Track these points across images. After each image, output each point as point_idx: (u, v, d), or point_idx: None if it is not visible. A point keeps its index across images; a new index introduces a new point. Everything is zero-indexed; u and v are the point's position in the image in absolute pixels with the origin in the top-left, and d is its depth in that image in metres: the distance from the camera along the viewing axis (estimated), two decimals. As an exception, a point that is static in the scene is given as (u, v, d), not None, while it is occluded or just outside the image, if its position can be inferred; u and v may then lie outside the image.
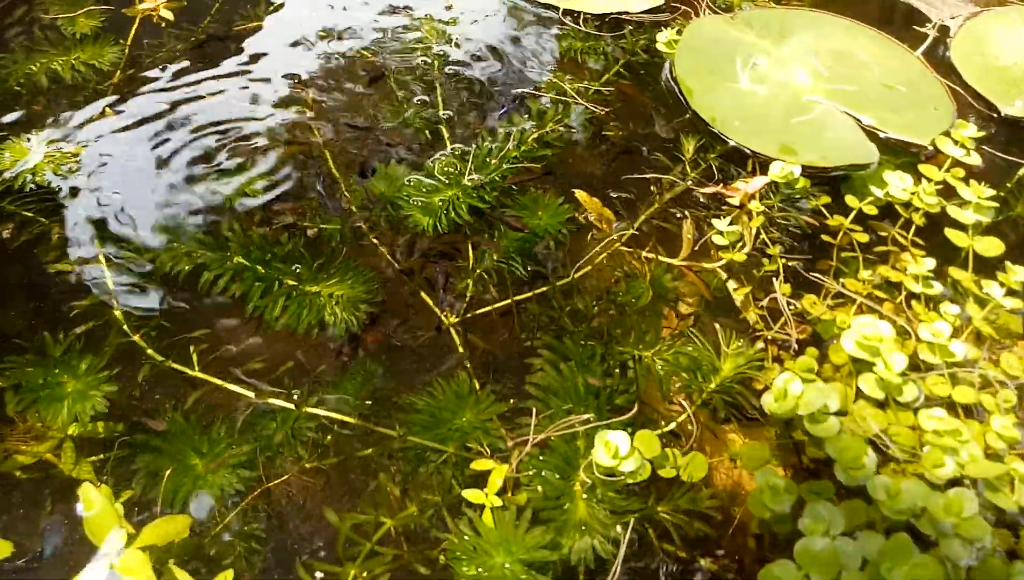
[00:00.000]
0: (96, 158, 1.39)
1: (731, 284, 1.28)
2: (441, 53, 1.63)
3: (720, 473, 1.09)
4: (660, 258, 1.32)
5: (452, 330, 1.21)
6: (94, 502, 0.93)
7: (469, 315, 1.23)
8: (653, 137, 1.51)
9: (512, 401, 1.14)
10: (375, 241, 1.30)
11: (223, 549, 0.99)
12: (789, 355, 1.19)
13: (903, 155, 1.50)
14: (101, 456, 1.06)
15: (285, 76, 1.57)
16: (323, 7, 1.74)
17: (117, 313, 1.18)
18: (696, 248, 1.33)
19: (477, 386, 1.15)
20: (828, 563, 0.93)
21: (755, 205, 1.36)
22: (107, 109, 1.50)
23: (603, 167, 1.45)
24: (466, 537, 0.98)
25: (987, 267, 1.31)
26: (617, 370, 1.17)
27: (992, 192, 1.38)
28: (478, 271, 1.28)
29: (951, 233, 1.34)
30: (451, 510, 1.03)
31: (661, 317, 1.25)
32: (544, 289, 1.26)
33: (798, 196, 1.40)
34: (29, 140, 1.40)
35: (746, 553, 1.03)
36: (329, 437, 1.09)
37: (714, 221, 1.33)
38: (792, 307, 1.24)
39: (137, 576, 0.88)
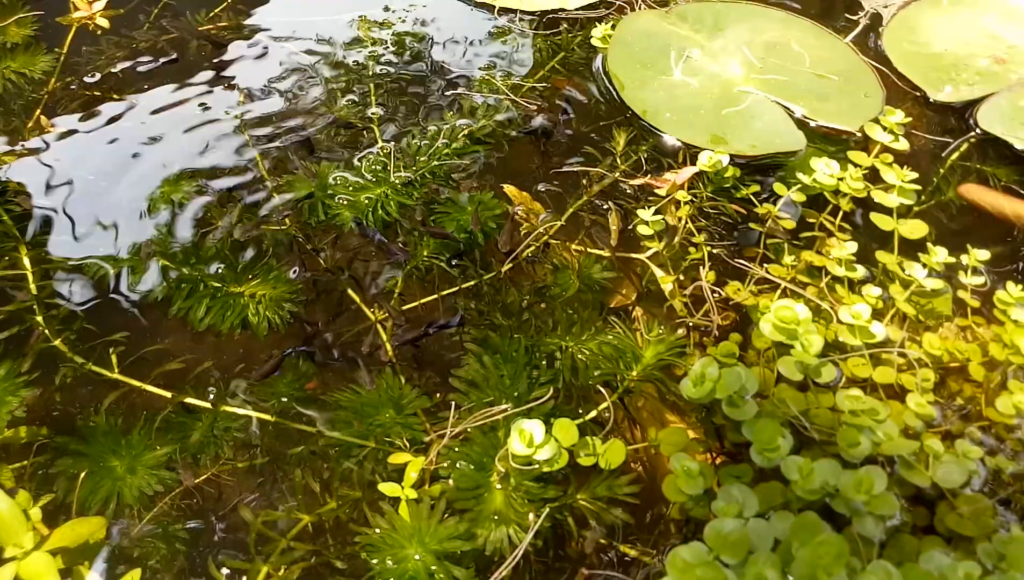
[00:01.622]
0: (25, 165, 1.39)
1: (658, 273, 1.28)
2: (374, 53, 1.63)
3: (643, 459, 1.10)
4: (589, 250, 1.32)
5: (379, 326, 1.21)
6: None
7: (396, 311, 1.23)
8: (584, 131, 1.51)
9: (437, 395, 1.14)
10: (301, 240, 1.30)
11: (140, 549, 0.99)
12: (711, 341, 1.20)
13: (835, 142, 1.52)
14: (27, 462, 1.06)
15: (220, 78, 1.57)
16: (260, 11, 1.74)
17: (39, 318, 1.18)
18: (626, 239, 1.33)
19: (402, 381, 1.15)
20: (738, 544, 0.94)
21: (683, 195, 1.37)
22: (42, 117, 1.50)
23: (534, 162, 1.46)
24: (378, 531, 0.98)
25: (917, 250, 1.32)
26: (544, 362, 1.18)
27: (915, 175, 1.40)
28: (407, 267, 1.28)
29: (876, 217, 1.35)
30: (371, 504, 1.03)
31: (589, 308, 1.25)
32: (472, 283, 1.27)
33: (727, 185, 1.41)
34: (-43, 149, 1.40)
35: (668, 537, 1.04)
36: (250, 436, 1.09)
37: (639, 212, 1.33)
38: (716, 294, 1.25)
39: (42, 578, 0.88)
